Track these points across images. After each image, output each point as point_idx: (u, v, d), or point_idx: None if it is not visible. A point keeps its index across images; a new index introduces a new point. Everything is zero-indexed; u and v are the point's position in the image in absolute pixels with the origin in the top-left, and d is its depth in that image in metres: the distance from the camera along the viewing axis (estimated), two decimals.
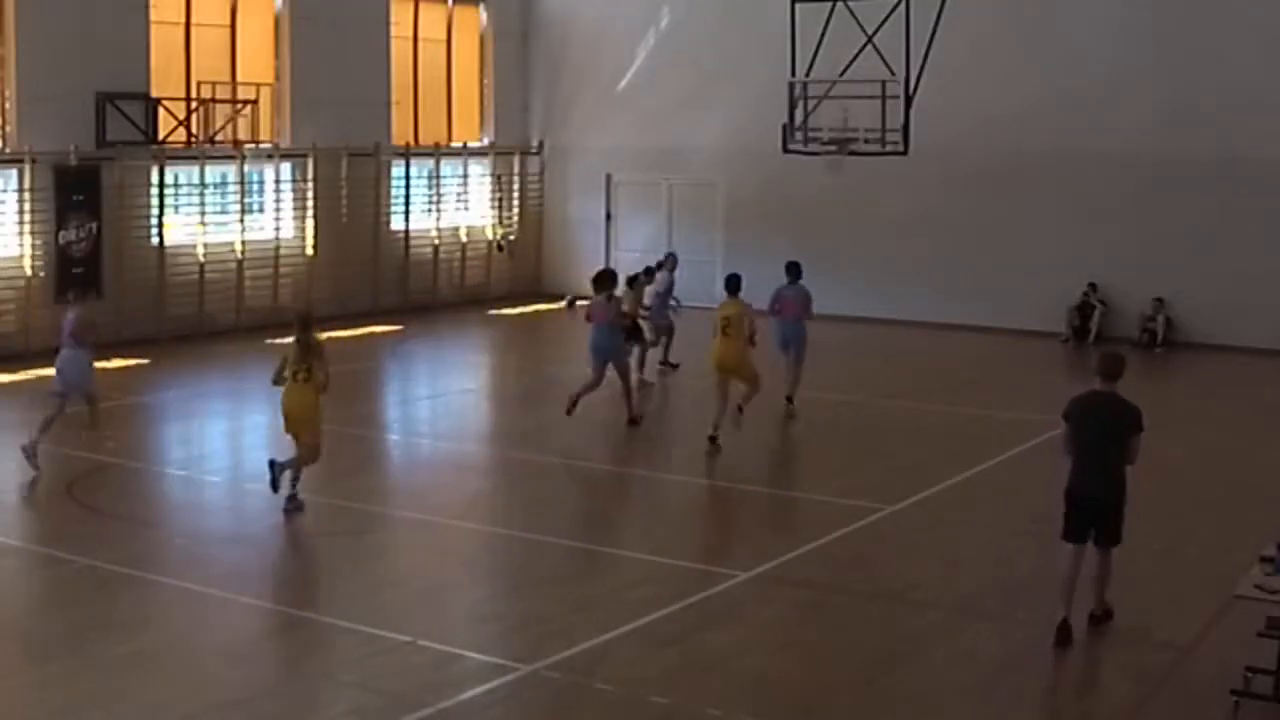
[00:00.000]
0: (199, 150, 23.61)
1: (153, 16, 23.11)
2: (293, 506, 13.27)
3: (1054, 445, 10.21)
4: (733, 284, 16.75)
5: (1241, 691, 9.07)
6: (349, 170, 25.94)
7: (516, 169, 29.76)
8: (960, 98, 24.03)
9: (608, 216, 29.23)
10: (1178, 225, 23.60)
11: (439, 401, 19.22)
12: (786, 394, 18.04)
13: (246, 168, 24.56)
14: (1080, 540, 10.29)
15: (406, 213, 27.38)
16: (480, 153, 29.19)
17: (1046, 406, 19.07)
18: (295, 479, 13.29)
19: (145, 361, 21.29)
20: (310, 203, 25.56)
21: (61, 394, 14.69)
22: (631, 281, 20.09)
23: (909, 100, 20.92)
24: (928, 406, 19.60)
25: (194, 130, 23.35)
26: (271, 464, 13.30)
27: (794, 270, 18.38)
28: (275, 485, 13.27)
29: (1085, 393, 10.48)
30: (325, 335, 23.99)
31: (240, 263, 24.46)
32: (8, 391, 19.28)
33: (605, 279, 18.12)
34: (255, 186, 25.38)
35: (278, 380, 13.32)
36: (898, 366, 21.92)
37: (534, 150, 30.00)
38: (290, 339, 13.30)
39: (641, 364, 19.50)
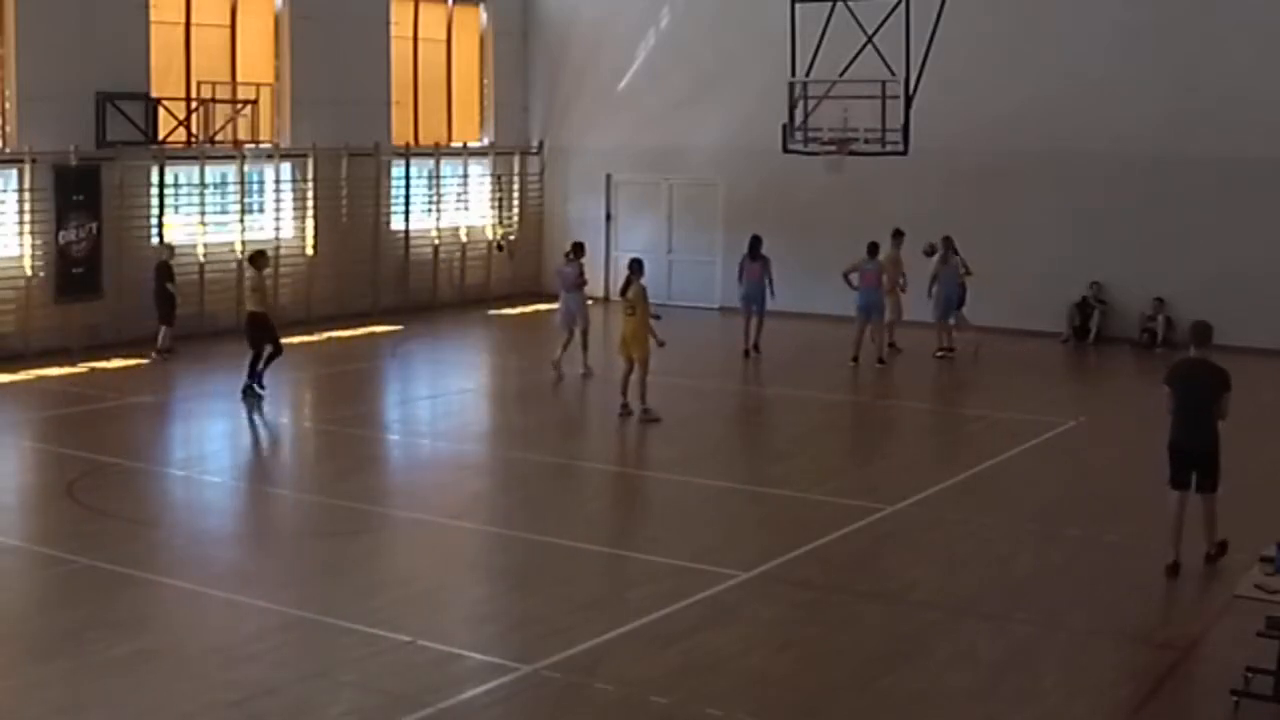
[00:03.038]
0: (199, 150, 23.60)
1: (153, 16, 23.10)
2: (648, 418, 17.26)
3: (1163, 407, 11.85)
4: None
5: (1241, 691, 9.07)
6: (349, 170, 25.95)
7: (516, 169, 29.76)
8: (960, 98, 24.04)
9: (608, 216, 29.23)
10: (1178, 225, 23.60)
11: (439, 401, 19.22)
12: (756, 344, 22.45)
13: (246, 168, 24.55)
14: (1184, 486, 11.71)
15: (406, 213, 27.38)
16: (480, 153, 29.19)
17: (1046, 406, 19.34)
18: (642, 395, 17.37)
19: (145, 361, 21.29)
20: (310, 203, 25.56)
21: (573, 329, 20.27)
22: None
23: (909, 100, 20.94)
24: (927, 406, 19.60)
25: (194, 130, 23.33)
26: (646, 410, 17.33)
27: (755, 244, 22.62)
28: (643, 411, 17.40)
29: (1181, 359, 12.08)
30: (326, 335, 23.99)
31: (240, 263, 24.43)
32: (8, 392, 19.28)
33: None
34: (255, 186, 25.37)
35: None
36: (897, 366, 21.92)
37: (534, 150, 30.01)
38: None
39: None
